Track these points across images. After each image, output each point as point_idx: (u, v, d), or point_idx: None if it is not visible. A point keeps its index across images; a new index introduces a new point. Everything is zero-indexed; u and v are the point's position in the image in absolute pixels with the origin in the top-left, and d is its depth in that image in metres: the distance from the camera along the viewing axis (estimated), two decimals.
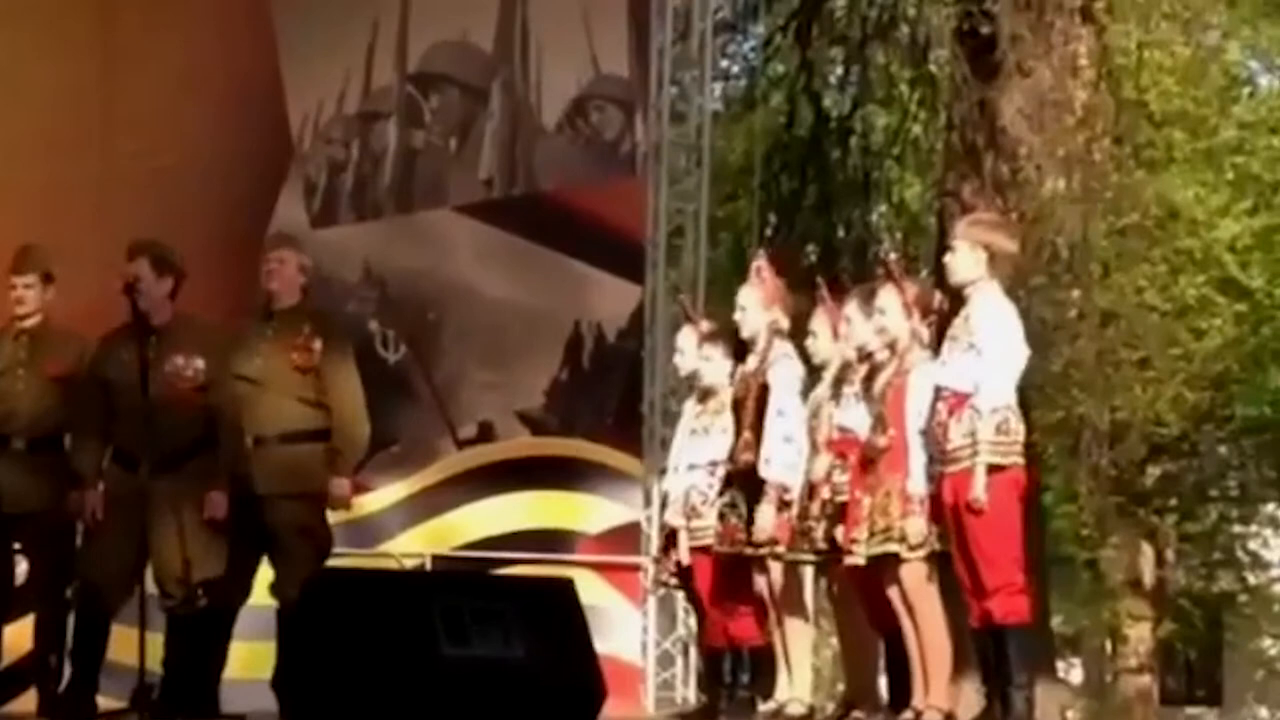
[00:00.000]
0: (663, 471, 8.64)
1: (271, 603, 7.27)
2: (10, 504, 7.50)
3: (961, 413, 6.21)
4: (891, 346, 6.68)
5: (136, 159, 9.69)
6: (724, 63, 14.50)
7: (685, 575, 7.85)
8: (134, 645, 6.94)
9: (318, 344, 7.42)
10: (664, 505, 8.44)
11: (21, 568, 7.77)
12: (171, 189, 9.66)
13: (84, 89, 9.71)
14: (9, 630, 7.76)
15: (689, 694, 9.63)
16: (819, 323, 7.38)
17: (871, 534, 6.56)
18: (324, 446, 7.39)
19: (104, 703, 7.35)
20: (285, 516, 7.33)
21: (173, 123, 9.84)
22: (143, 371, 6.98)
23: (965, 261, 6.40)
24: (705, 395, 7.83)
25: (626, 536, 9.77)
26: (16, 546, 7.68)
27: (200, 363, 7.17)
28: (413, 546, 9.66)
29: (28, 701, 7.88)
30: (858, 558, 6.63)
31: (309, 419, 7.41)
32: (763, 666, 7.61)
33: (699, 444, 7.77)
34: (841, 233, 13.96)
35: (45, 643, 7.63)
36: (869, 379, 6.79)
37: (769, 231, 13.35)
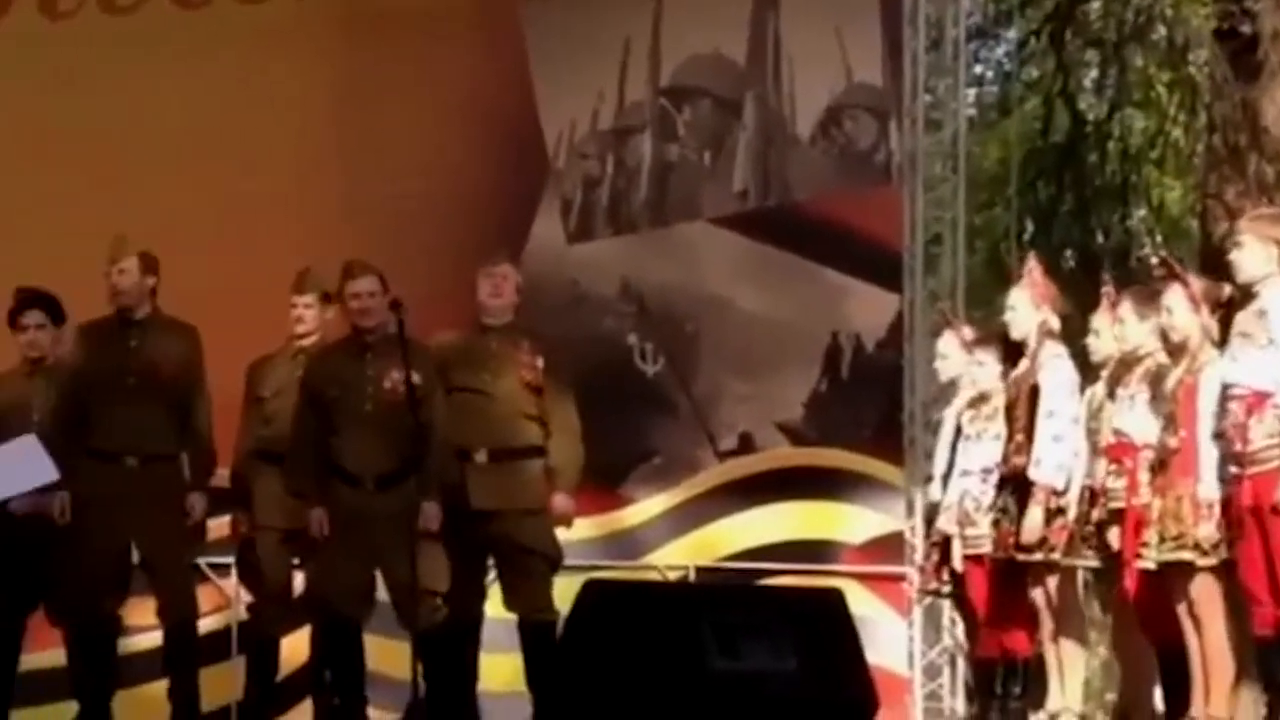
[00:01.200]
0: (928, 480, 8.51)
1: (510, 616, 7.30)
2: (289, 519, 7.59)
3: (1262, 412, 6.00)
4: (1181, 346, 6.47)
5: (388, 182, 9.76)
6: (978, 68, 14.33)
7: (958, 584, 7.73)
8: (394, 657, 7.01)
9: (540, 362, 7.41)
10: (927, 514, 8.32)
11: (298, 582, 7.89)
12: (426, 210, 9.72)
13: (337, 113, 9.80)
14: (286, 642, 7.87)
15: (956, 705, 9.47)
16: (1100, 321, 7.19)
17: (1162, 539, 6.36)
18: (543, 463, 7.38)
19: (375, 715, 7.41)
20: (510, 531, 7.31)
21: (425, 145, 9.89)
22: (364, 387, 7.05)
23: (1255, 257, 6.16)
24: (977, 400, 7.68)
25: (889, 546, 9.64)
26: (294, 561, 7.79)
27: (417, 378, 7.18)
28: (676, 559, 9.61)
29: (304, 713, 7.99)
30: (1148, 562, 6.44)
31: (533, 435, 7.40)
32: (1034, 677, 7.46)
33: (972, 450, 7.62)
34: (1100, 238, 13.70)
35: (320, 656, 7.73)
36: (1156, 380, 6.60)
37: (1026, 238, 13.16)
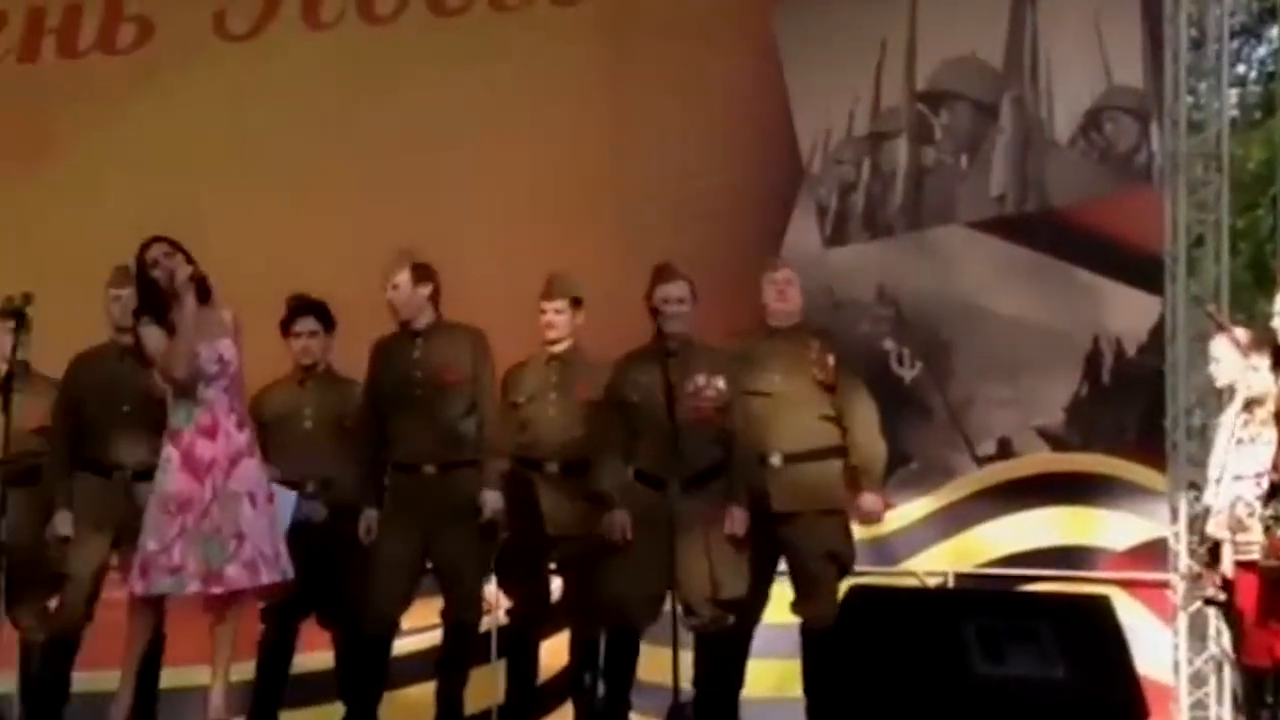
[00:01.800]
0: (1191, 486, 8.34)
1: (787, 620, 7.28)
2: (550, 526, 7.66)
3: None
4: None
5: (653, 188, 9.81)
6: (1240, 68, 14.02)
7: (1228, 590, 7.56)
8: (662, 663, 7.02)
9: (831, 360, 7.40)
10: (1192, 521, 8.17)
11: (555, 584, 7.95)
12: (687, 216, 9.76)
13: (599, 118, 9.87)
14: (546, 646, 7.93)
15: (1224, 713, 9.27)
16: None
17: None
18: (841, 463, 7.35)
19: None
20: (807, 534, 7.30)
21: (684, 150, 9.93)
22: (668, 392, 7.06)
23: None
24: (1252, 404, 7.52)
25: (1152, 553, 9.46)
26: (552, 566, 7.85)
27: (721, 382, 7.22)
28: (934, 564, 9.52)
29: (564, 716, 8.05)
30: None
31: (829, 435, 7.39)
32: None
33: (1245, 455, 7.46)
34: None
35: (580, 660, 7.78)
36: None
37: None
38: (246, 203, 9.61)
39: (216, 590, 6.77)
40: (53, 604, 7.54)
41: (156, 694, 7.53)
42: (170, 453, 6.81)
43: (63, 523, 7.37)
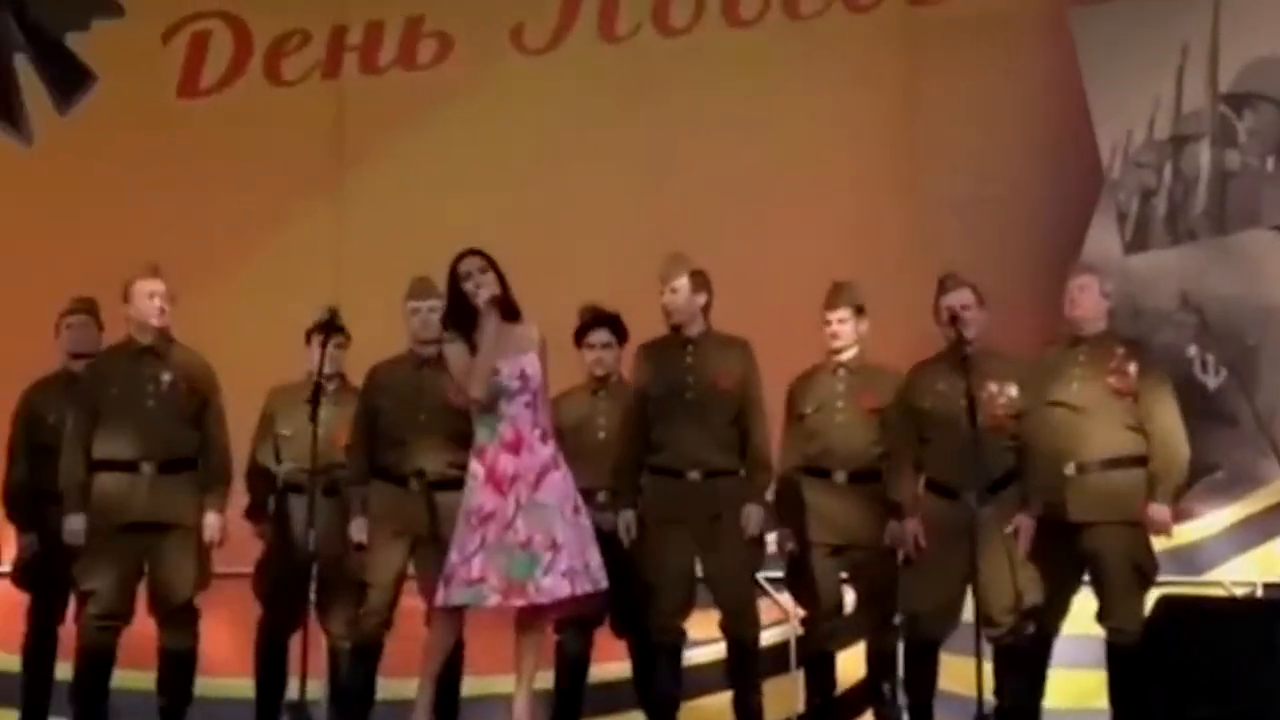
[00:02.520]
0: None
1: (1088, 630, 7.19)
2: (840, 535, 7.68)
3: None
4: None
5: (946, 194, 9.75)
6: None
7: None
8: (964, 672, 7.00)
9: (1132, 368, 7.31)
10: None
11: (849, 597, 7.95)
12: (982, 223, 9.68)
13: (892, 125, 9.84)
14: (843, 657, 7.95)
15: None
16: None
17: None
18: (1144, 472, 7.25)
19: None
20: (1109, 543, 7.22)
21: (979, 157, 9.85)
22: (970, 400, 7.04)
23: None
24: None
25: None
26: (844, 575, 7.86)
27: (1013, 390, 7.18)
28: (1241, 574, 9.32)
29: None
30: None
31: (1130, 444, 7.30)
32: None
33: None
34: None
35: (877, 670, 7.78)
36: None
37: None
38: (540, 214, 9.74)
39: (519, 602, 6.89)
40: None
41: (458, 702, 7.69)
42: (476, 468, 6.95)
43: (358, 530, 7.59)
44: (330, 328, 7.82)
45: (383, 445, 7.68)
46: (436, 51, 10.17)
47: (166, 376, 7.64)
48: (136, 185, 9.93)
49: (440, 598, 6.96)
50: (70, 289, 8.43)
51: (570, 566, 6.89)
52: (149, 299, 7.67)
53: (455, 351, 6.98)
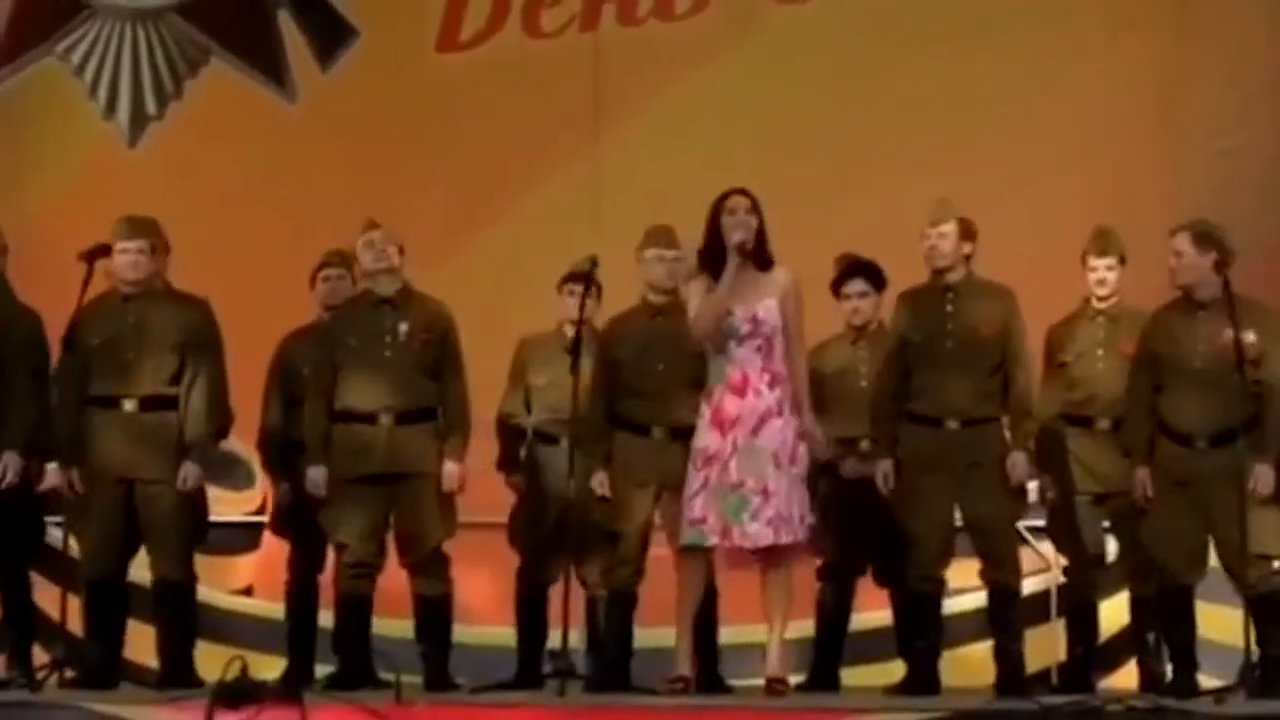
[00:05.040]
0: None
1: None
2: (1101, 483, 7.80)
3: None
4: None
5: (1206, 140, 9.69)
6: None
7: None
8: (1222, 623, 7.06)
9: None
10: None
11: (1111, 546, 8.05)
12: (1240, 169, 9.60)
13: (1155, 67, 9.80)
14: (1105, 606, 8.03)
15: None
16: None
17: None
18: None
19: (1204, 681, 7.49)
20: None
21: (1240, 102, 9.76)
22: (1198, 346, 7.12)
23: None
24: None
25: None
26: (1106, 524, 7.95)
27: (1251, 337, 7.19)
28: None
29: (1126, 676, 8.13)
30: None
31: None
32: None
33: None
34: None
35: (1140, 619, 7.90)
36: None
37: None
38: (798, 164, 9.90)
39: (733, 544, 7.11)
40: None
41: (717, 649, 7.92)
42: (704, 409, 7.20)
43: (600, 483, 7.81)
44: (589, 278, 8.07)
45: (622, 395, 7.88)
46: (694, 2, 10.34)
47: (404, 327, 7.91)
48: (396, 140, 10.27)
49: (674, 539, 7.23)
50: (330, 242, 8.75)
51: (777, 513, 7.11)
52: (367, 248, 7.99)
53: (695, 289, 7.21)
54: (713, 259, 7.24)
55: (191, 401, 7.79)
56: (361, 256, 8.01)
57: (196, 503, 7.88)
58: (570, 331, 7.98)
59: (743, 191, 7.30)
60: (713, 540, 7.20)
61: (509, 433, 8.40)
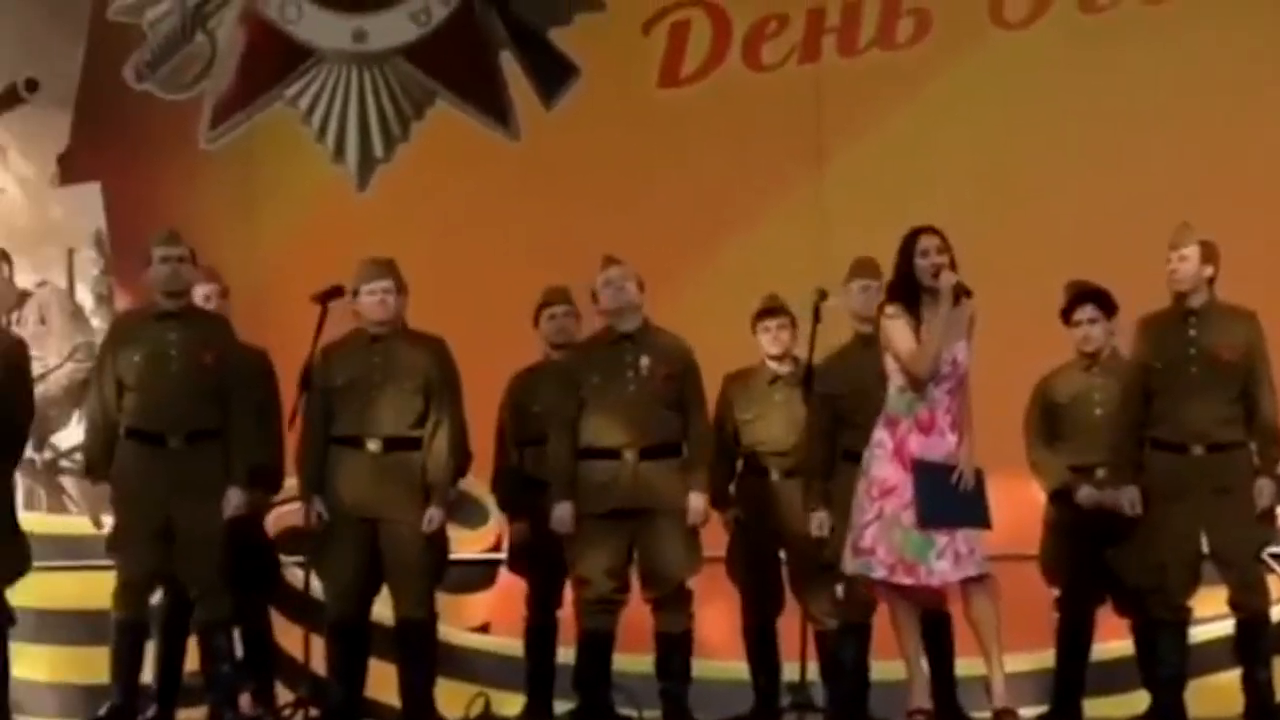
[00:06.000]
0: None
1: None
2: None
3: None
4: None
5: None
6: None
7: None
8: None
9: None
10: None
11: None
12: None
13: None
14: None
15: None
16: None
17: None
18: None
19: None
20: None
21: None
22: None
23: None
24: None
25: None
26: None
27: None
28: None
29: None
30: None
31: None
32: None
33: None
34: None
35: None
36: None
37: None
38: (1021, 192, 9.94)
39: (906, 580, 7.19)
40: (838, 591, 8.06)
41: (954, 679, 7.97)
42: (883, 438, 7.27)
43: (819, 524, 7.94)
44: (817, 311, 8.18)
45: (845, 429, 7.97)
46: (915, 30, 10.40)
47: (645, 362, 8.06)
48: (618, 176, 10.45)
49: (845, 565, 7.31)
50: (556, 279, 8.92)
51: (958, 551, 7.13)
52: (607, 285, 8.14)
53: (899, 327, 7.26)
54: (906, 295, 7.30)
55: (435, 444, 7.97)
56: (601, 293, 8.16)
57: (438, 542, 8.06)
58: (772, 365, 8.32)
59: (933, 230, 7.33)
60: (880, 573, 7.25)
61: (720, 467, 8.47)
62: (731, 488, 8.49)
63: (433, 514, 7.93)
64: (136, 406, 7.85)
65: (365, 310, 8.06)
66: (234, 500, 7.82)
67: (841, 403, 7.97)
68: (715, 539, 8.47)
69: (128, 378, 7.86)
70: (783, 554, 8.36)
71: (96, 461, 7.97)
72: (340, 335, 8.14)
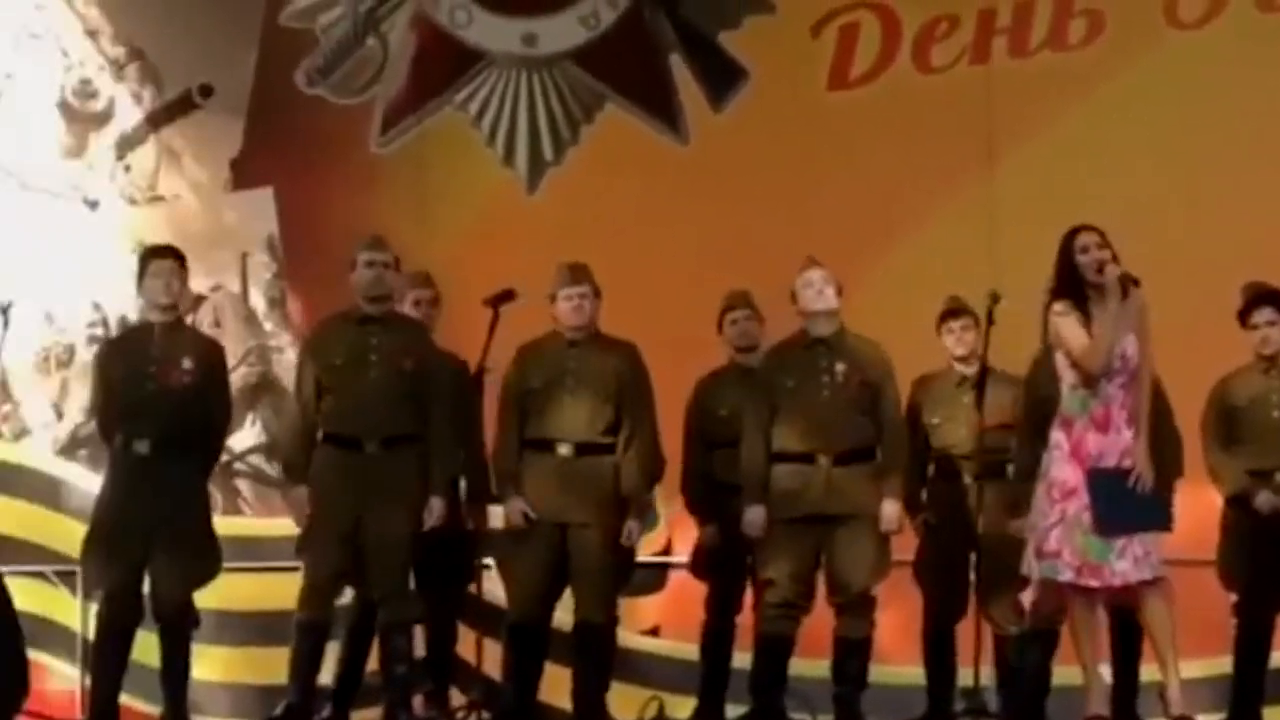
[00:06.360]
0: None
1: None
2: None
3: None
4: None
5: None
6: None
7: None
8: None
9: None
10: None
11: None
12: None
13: None
14: None
15: None
16: None
17: None
18: None
19: None
20: None
21: None
22: None
23: None
24: None
25: None
26: None
27: None
28: None
29: None
30: None
31: None
32: None
33: None
34: None
35: None
36: None
37: None
38: (1189, 190, 9.93)
39: (1093, 583, 7.16)
40: (1024, 597, 8.06)
41: (1136, 686, 7.99)
42: (1060, 439, 7.26)
43: (1017, 529, 7.81)
44: (989, 314, 8.18)
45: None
46: (1087, 31, 10.37)
47: (840, 368, 8.06)
48: (788, 179, 10.51)
49: (1026, 567, 7.29)
50: (730, 284, 8.94)
51: (1136, 554, 7.12)
52: (806, 287, 8.15)
53: (1069, 323, 7.25)
54: (1072, 292, 7.28)
55: (630, 452, 8.05)
56: (801, 294, 8.16)
57: (625, 547, 8.13)
58: (959, 368, 8.27)
59: (1091, 228, 7.32)
60: (1067, 576, 7.22)
61: (911, 471, 8.46)
62: (923, 492, 8.51)
63: (632, 526, 8.04)
64: (334, 410, 7.97)
65: (561, 315, 8.15)
66: (436, 510, 7.90)
67: (1053, 405, 7.97)
68: (898, 543, 8.45)
69: (327, 381, 8.00)
70: (972, 558, 8.32)
71: (295, 464, 8.10)
72: (536, 338, 8.24)
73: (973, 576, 8.26)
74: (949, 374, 8.47)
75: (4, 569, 7.75)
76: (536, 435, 8.08)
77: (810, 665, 8.37)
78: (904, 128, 10.45)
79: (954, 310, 8.49)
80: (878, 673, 8.44)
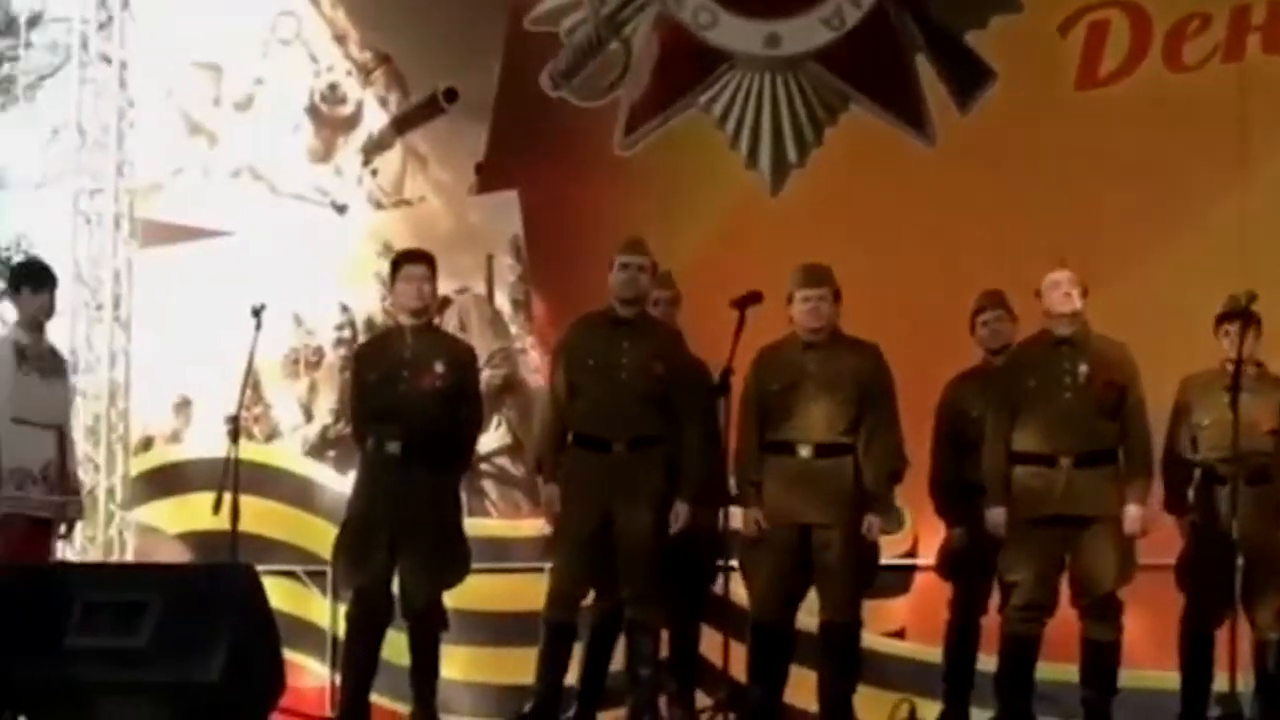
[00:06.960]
0: None
1: None
2: None
3: None
4: None
5: None
6: None
7: None
8: None
9: None
10: None
11: None
12: None
13: None
14: None
15: None
16: None
17: None
18: None
19: None
20: None
21: None
22: None
23: None
24: None
25: None
26: None
27: None
28: None
29: None
30: None
31: None
32: None
33: None
34: None
35: None
36: None
37: None
38: None
39: None
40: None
41: None
42: None
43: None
44: (1246, 314, 8.12)
45: None
46: None
47: (1084, 369, 8.05)
48: (1036, 179, 10.44)
49: None
50: (979, 284, 8.97)
51: None
52: (1052, 288, 8.14)
53: None
54: None
55: (873, 453, 8.08)
56: (1046, 296, 8.16)
57: (869, 547, 8.16)
58: (1231, 369, 8.14)
59: None
60: None
61: (1175, 473, 8.45)
62: (1189, 492, 8.46)
63: (872, 520, 8.06)
64: (585, 411, 8.11)
65: (797, 317, 8.21)
66: (682, 515, 8.01)
67: None
68: (1153, 546, 8.42)
69: (578, 381, 8.14)
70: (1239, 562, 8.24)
71: (546, 464, 8.25)
72: (775, 340, 8.31)
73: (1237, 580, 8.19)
74: (1220, 376, 8.35)
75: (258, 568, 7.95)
76: (776, 438, 8.15)
77: (1060, 670, 8.35)
78: (1155, 126, 10.34)
79: (1230, 312, 8.38)
80: (1128, 677, 8.41)
